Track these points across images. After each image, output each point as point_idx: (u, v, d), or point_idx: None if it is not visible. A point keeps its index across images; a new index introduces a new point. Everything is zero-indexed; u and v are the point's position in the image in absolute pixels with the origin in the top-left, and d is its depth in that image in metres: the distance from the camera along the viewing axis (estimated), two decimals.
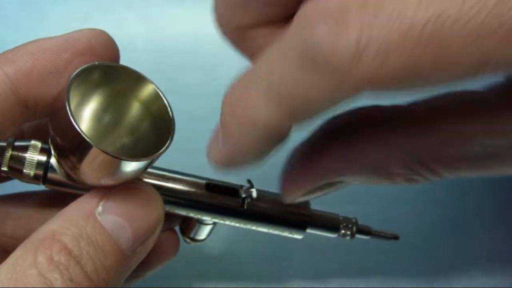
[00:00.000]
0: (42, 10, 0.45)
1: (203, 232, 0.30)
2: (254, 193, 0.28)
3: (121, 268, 0.24)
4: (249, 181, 0.29)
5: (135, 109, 0.25)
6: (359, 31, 0.17)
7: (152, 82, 0.25)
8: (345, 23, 0.17)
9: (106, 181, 0.24)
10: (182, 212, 0.28)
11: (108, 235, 0.23)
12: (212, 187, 0.28)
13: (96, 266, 0.23)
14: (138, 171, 0.24)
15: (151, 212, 0.25)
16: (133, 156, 0.23)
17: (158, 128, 0.24)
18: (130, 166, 0.23)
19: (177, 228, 0.32)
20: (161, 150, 0.23)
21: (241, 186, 0.29)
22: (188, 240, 0.31)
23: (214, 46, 0.45)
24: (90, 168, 0.23)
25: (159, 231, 0.26)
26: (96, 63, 0.24)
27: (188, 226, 0.30)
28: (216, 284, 0.37)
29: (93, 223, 0.23)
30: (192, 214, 0.28)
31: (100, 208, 0.24)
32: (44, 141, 0.25)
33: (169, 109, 0.24)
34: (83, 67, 0.24)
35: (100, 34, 0.26)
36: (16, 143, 0.25)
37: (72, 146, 0.23)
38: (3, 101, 0.23)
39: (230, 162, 0.24)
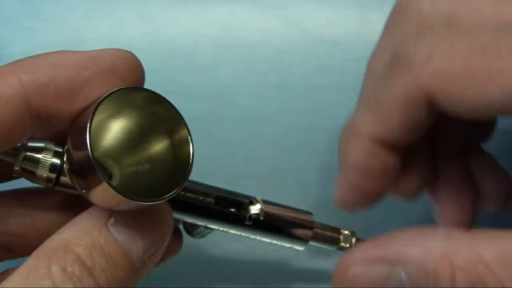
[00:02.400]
0: (42, 10, 0.45)
1: (206, 232, 0.31)
2: (262, 215, 0.29)
3: (131, 280, 0.24)
4: (258, 199, 0.30)
5: (162, 144, 0.25)
6: (431, 43, 0.25)
7: (187, 128, 0.25)
8: (423, 38, 0.26)
9: (116, 208, 0.24)
10: (190, 220, 0.29)
11: (120, 247, 0.24)
12: (222, 201, 0.29)
13: (108, 279, 0.23)
14: (148, 207, 0.24)
15: (161, 223, 0.25)
16: (145, 184, 0.24)
17: (176, 168, 0.25)
18: (141, 205, 0.23)
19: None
20: (170, 194, 0.23)
21: (250, 200, 0.29)
22: (190, 235, 0.31)
23: (214, 46, 0.45)
24: (101, 197, 0.23)
25: (168, 242, 0.26)
26: (142, 88, 0.24)
27: (193, 226, 0.31)
28: (216, 284, 0.37)
29: (106, 235, 0.23)
30: (199, 223, 0.29)
31: (112, 220, 0.24)
32: (56, 142, 0.25)
33: (191, 157, 0.24)
34: (124, 87, 0.24)
35: (126, 56, 0.25)
36: (30, 144, 0.25)
37: (86, 172, 0.23)
38: (15, 111, 0.23)
39: (353, 192, 0.30)
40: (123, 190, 0.22)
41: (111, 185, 0.22)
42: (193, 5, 0.46)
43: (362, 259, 0.26)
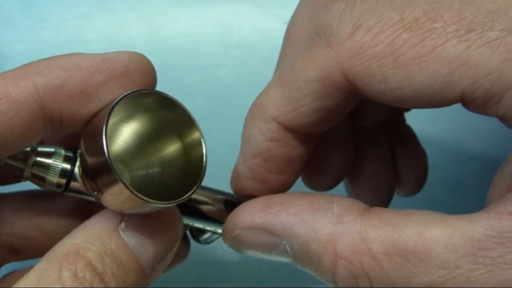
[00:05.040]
0: (42, 10, 0.45)
1: (213, 238, 0.31)
2: None
3: (140, 285, 0.24)
4: None
5: (174, 147, 0.25)
6: (358, 16, 0.22)
7: (199, 130, 0.25)
8: (350, 10, 0.23)
9: (128, 212, 0.24)
10: (199, 225, 0.28)
11: (131, 252, 0.24)
12: (230, 204, 0.28)
13: (118, 284, 0.23)
14: (160, 209, 0.24)
15: (171, 229, 0.25)
16: (156, 188, 0.24)
17: (188, 170, 0.25)
18: (155, 207, 0.23)
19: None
20: (186, 195, 0.23)
21: None
22: (197, 241, 0.31)
23: (214, 46, 0.45)
24: (114, 199, 0.23)
25: (177, 247, 0.26)
26: (155, 90, 0.24)
27: (200, 232, 0.31)
28: (216, 284, 0.37)
29: (117, 240, 0.23)
30: (208, 228, 0.29)
31: (123, 224, 0.24)
32: (65, 146, 0.25)
33: (204, 159, 0.24)
34: (138, 90, 0.24)
35: (139, 59, 0.25)
36: (39, 149, 0.25)
37: (100, 174, 0.23)
38: (28, 113, 0.23)
39: (251, 181, 0.26)
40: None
41: (127, 187, 0.22)
42: (193, 5, 0.46)
43: (249, 225, 0.25)
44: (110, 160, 0.22)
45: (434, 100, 0.22)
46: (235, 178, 0.27)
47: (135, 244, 0.24)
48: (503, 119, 0.21)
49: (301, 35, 0.28)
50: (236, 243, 0.26)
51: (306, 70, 0.24)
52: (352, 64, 0.22)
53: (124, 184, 0.22)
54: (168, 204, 0.23)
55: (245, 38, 0.45)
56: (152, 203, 0.22)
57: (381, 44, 0.22)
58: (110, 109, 0.23)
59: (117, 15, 0.45)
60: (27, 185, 0.26)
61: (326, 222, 0.23)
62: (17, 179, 0.27)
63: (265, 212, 0.24)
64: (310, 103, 0.24)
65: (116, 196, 0.23)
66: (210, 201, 0.28)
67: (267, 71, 0.45)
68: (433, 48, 0.21)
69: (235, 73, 0.44)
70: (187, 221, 0.28)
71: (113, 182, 0.22)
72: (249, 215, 0.25)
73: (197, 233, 0.30)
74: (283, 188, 0.27)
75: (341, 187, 0.34)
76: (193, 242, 0.31)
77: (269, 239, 0.24)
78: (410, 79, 0.21)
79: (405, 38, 0.21)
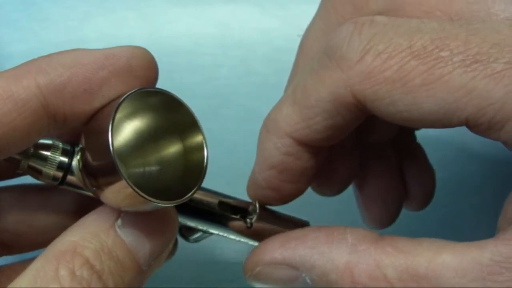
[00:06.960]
0: (42, 10, 0.45)
1: (202, 237, 0.31)
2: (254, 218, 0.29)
3: (137, 283, 0.24)
4: (257, 202, 0.29)
5: (175, 147, 0.25)
6: (367, 40, 0.23)
7: (203, 133, 0.25)
8: (358, 33, 0.24)
9: (126, 209, 0.24)
10: (192, 224, 0.29)
11: (128, 250, 0.24)
12: (224, 205, 0.29)
13: (116, 282, 0.23)
14: (159, 209, 0.24)
15: (167, 226, 0.25)
16: (153, 186, 0.23)
17: (188, 171, 0.25)
18: (155, 206, 0.23)
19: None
20: (186, 197, 0.23)
21: (250, 204, 0.29)
22: (186, 240, 0.31)
23: (214, 46, 0.45)
24: (114, 196, 0.23)
25: (172, 245, 0.26)
26: (163, 90, 0.24)
27: (190, 231, 0.31)
28: (216, 284, 0.37)
29: (114, 237, 0.23)
30: (200, 227, 0.29)
31: (119, 221, 0.24)
32: (63, 140, 0.25)
33: (205, 162, 0.24)
34: (145, 88, 0.24)
35: (141, 54, 0.25)
36: (38, 141, 0.25)
37: (102, 171, 0.23)
38: (32, 113, 0.23)
39: (265, 190, 0.28)
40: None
41: (130, 185, 0.22)
42: (193, 5, 0.46)
43: (269, 261, 0.26)
44: (115, 159, 0.22)
45: (439, 123, 0.23)
46: (252, 187, 0.29)
47: (132, 241, 0.24)
48: (505, 143, 0.23)
49: (315, 48, 0.29)
50: (258, 279, 0.27)
51: (318, 90, 0.25)
52: (362, 87, 0.23)
53: (128, 183, 0.22)
54: (168, 204, 0.23)
55: (245, 38, 0.45)
56: (153, 202, 0.22)
57: (390, 70, 0.23)
58: (116, 107, 0.23)
59: (117, 15, 0.45)
60: (21, 181, 0.26)
61: (341, 252, 0.24)
62: (13, 175, 0.27)
63: (284, 248, 0.26)
64: (322, 121, 0.25)
65: (116, 193, 0.23)
66: (204, 201, 0.28)
67: (267, 71, 0.45)
68: (440, 76, 0.22)
69: (235, 73, 0.44)
70: (181, 220, 0.28)
71: (115, 179, 0.22)
72: (269, 251, 0.26)
73: (187, 232, 0.30)
74: (296, 195, 0.28)
75: (353, 204, 0.35)
76: (191, 243, 0.31)
77: (289, 273, 0.26)
78: (418, 104, 0.22)
79: (413, 65, 0.22)
